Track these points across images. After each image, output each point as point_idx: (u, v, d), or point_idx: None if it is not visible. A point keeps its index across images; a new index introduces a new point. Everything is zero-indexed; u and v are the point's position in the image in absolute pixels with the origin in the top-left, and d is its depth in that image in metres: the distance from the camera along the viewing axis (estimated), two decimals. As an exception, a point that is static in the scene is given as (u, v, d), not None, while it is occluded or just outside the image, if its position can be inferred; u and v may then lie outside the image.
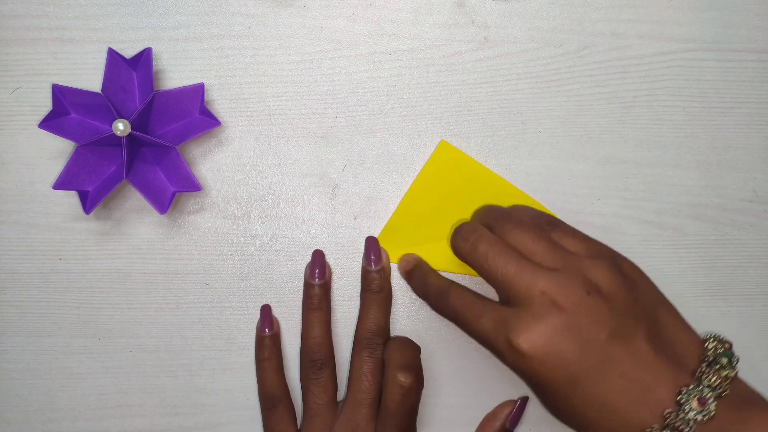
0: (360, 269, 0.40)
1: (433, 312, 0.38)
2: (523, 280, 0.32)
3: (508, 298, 0.33)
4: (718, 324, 0.41)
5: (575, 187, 0.40)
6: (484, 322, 0.33)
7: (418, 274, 0.39)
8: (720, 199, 0.41)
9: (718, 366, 0.31)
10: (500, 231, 0.35)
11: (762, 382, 0.41)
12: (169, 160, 0.37)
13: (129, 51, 0.38)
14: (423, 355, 0.39)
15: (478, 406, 0.40)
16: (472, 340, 0.40)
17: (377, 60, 0.40)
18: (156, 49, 0.39)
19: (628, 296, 0.33)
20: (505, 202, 0.40)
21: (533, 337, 0.31)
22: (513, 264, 0.33)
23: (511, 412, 0.40)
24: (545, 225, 0.36)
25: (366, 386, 0.38)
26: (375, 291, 0.39)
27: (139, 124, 0.36)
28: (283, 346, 0.40)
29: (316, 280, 0.39)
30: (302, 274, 0.40)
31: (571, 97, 0.40)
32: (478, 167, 0.40)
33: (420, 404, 0.40)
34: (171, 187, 0.38)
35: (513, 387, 0.40)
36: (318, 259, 0.40)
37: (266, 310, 0.40)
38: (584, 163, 0.40)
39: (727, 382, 0.31)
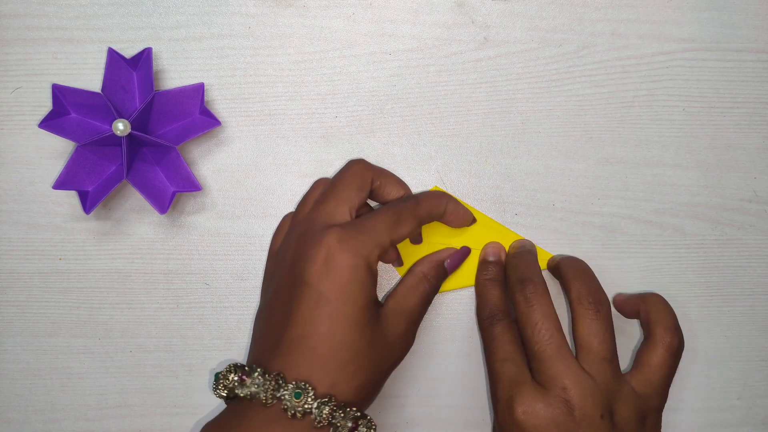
0: None
1: (433, 312, 0.39)
2: (554, 367, 0.34)
3: (534, 369, 0.35)
4: (718, 324, 0.41)
5: (575, 187, 0.40)
6: (505, 367, 0.35)
7: (494, 284, 0.39)
8: (720, 199, 0.41)
9: None
10: (579, 296, 0.36)
11: (762, 383, 0.42)
12: (169, 160, 0.37)
13: (129, 51, 0.38)
14: (421, 356, 0.39)
15: (477, 406, 0.40)
16: (472, 341, 0.40)
17: (377, 60, 0.40)
18: (156, 49, 0.39)
19: None
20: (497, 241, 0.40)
21: (531, 415, 0.33)
22: (554, 347, 0.34)
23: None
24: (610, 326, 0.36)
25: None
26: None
27: (139, 124, 0.36)
28: None
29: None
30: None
31: (571, 97, 0.40)
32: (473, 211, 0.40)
33: (420, 404, 0.40)
34: (171, 187, 0.38)
35: (513, 387, 0.40)
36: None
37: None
38: (584, 163, 0.40)
39: None
